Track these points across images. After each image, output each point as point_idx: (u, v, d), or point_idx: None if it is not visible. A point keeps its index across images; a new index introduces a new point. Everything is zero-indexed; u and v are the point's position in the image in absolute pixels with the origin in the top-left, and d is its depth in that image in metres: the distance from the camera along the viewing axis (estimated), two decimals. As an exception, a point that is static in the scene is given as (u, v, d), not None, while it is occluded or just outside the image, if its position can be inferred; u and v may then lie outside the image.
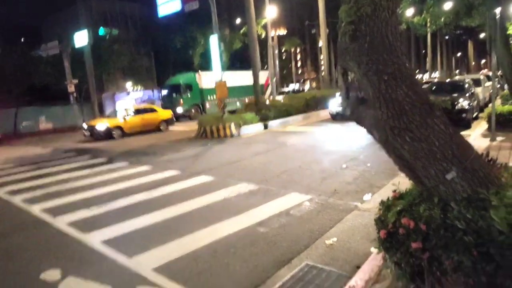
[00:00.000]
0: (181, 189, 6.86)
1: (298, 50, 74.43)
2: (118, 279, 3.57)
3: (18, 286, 3.64)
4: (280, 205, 5.42)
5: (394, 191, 2.90)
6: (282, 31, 51.13)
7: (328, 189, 6.05)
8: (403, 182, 3.08)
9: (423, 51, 62.02)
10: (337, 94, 17.88)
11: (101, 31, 37.37)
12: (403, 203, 2.63)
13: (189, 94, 26.70)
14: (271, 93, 26.47)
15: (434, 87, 13.83)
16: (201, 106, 27.35)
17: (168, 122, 19.61)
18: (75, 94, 27.88)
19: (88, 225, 5.20)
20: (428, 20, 18.64)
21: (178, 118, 24.29)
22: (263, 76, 25.56)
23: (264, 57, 37.00)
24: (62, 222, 5.41)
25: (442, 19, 17.30)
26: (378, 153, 8.20)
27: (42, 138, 21.90)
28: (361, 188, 5.96)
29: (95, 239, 4.64)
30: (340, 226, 4.45)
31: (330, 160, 8.30)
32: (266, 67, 33.45)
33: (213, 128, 14.20)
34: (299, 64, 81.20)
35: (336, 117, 16.00)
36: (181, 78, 28.53)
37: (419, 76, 50.32)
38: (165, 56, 50.15)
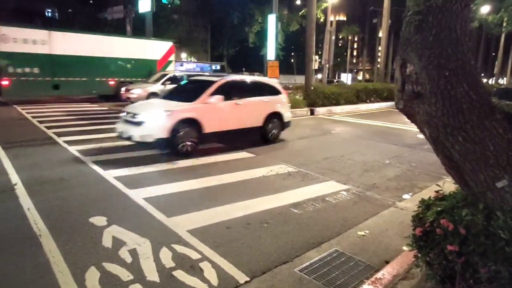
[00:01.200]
0: (221, 161, 7.08)
1: (355, 38, 71.91)
2: (155, 234, 3.82)
3: (70, 224, 4.00)
4: (316, 190, 5.45)
5: (437, 191, 2.83)
6: (342, 17, 49.46)
7: (367, 182, 5.97)
8: (448, 187, 2.99)
9: (493, 54, 57.51)
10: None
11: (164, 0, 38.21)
12: (445, 204, 2.56)
13: None
14: (321, 80, 25.98)
15: (501, 93, 12.88)
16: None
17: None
18: (133, 59, 28.97)
19: (133, 181, 5.55)
20: (505, 19, 17.18)
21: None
22: (157, 47, 21.29)
23: (319, 42, 36.17)
24: (110, 176, 5.81)
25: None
26: (424, 154, 7.97)
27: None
28: (402, 186, 5.82)
29: (138, 195, 4.95)
30: (374, 219, 4.41)
31: (374, 153, 8.12)
32: (320, 52, 32.70)
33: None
34: (354, 53, 78.60)
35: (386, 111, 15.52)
36: None
37: (483, 81, 46.88)
38: (220, 31, 50.57)
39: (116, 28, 31.56)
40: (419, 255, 2.67)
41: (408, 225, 3.76)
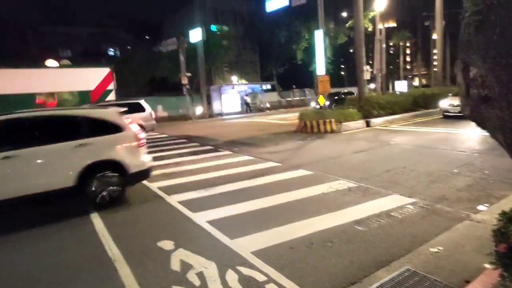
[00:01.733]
0: (280, 180, 7.08)
1: (407, 44, 69.22)
2: (220, 256, 3.89)
3: (140, 248, 4.22)
4: (380, 205, 5.22)
5: (519, 201, 2.58)
6: (391, 24, 48.05)
7: (435, 194, 5.60)
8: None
9: None
10: (450, 94, 16.55)
11: (213, 28, 40.00)
12: (530, 216, 2.33)
13: None
14: (374, 89, 25.24)
15: None
16: None
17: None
18: (187, 86, 30.47)
19: (196, 205, 5.75)
20: None
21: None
22: (90, 77, 18.31)
23: (370, 52, 35.36)
24: (174, 200, 6.07)
25: None
26: (498, 159, 7.32)
27: (159, 125, 24.49)
28: (475, 196, 5.38)
29: (202, 218, 5.10)
30: (447, 234, 4.10)
31: (439, 162, 7.63)
32: (371, 62, 31.94)
33: (313, 123, 14.18)
34: (408, 59, 75.56)
35: (448, 117, 14.79)
36: None
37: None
38: (268, 51, 51.47)
39: (170, 59, 33.50)
40: (505, 274, 2.43)
41: (487, 240, 3.45)
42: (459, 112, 11.59)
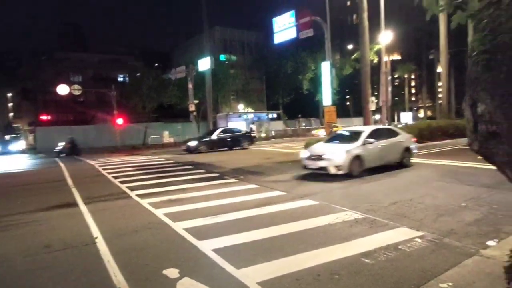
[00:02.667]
0: (286, 209, 7.05)
1: (412, 76, 70.15)
2: (226, 286, 3.84)
3: (145, 276, 4.19)
4: (387, 238, 5.16)
5: (530, 238, 2.57)
6: (396, 56, 48.93)
7: (443, 227, 5.54)
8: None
9: None
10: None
11: (222, 57, 41.02)
12: (542, 252, 2.31)
13: None
14: (380, 120, 25.39)
15: None
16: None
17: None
18: (194, 113, 30.88)
19: (201, 232, 5.72)
20: None
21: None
22: None
23: (375, 83, 35.83)
24: (180, 227, 6.05)
25: None
26: (507, 194, 7.26)
27: (165, 151, 24.71)
28: (484, 231, 5.30)
29: (207, 246, 5.06)
30: (457, 270, 4.03)
31: (447, 195, 7.57)
32: (376, 93, 32.34)
33: (318, 153, 14.20)
34: (412, 91, 76.30)
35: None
36: None
37: None
38: (275, 80, 52.33)
39: (179, 86, 34.17)
40: (518, 312, 2.39)
41: (498, 276, 3.40)
42: (320, 168, 10.24)
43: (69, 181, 12.24)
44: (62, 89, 31.76)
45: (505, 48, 2.37)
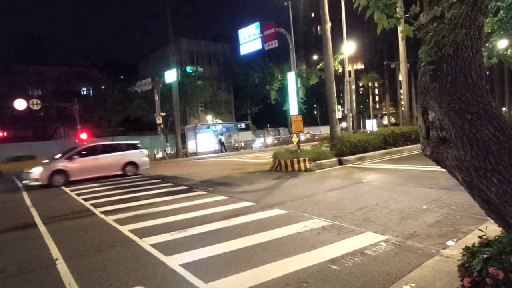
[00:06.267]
0: (254, 220, 7.04)
1: (376, 84, 72.79)
2: (194, 301, 3.77)
3: (109, 298, 4.03)
4: (354, 243, 5.27)
5: (480, 237, 2.71)
6: (360, 66, 50.62)
7: (406, 230, 5.73)
8: (493, 229, 2.86)
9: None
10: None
11: (188, 69, 40.76)
12: (491, 250, 2.45)
13: None
14: (345, 129, 26.09)
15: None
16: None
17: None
18: (162, 126, 30.39)
19: (169, 248, 5.59)
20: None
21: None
22: None
23: (340, 92, 36.82)
24: (146, 243, 5.89)
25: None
26: (464, 195, 7.60)
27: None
28: (444, 232, 5.54)
29: (175, 261, 4.96)
30: (419, 271, 4.17)
31: (409, 199, 7.86)
32: (342, 101, 33.21)
33: (287, 162, 14.37)
34: (377, 99, 79.07)
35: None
36: None
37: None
38: (243, 91, 52.67)
39: (145, 99, 33.60)
40: (472, 308, 2.50)
41: (457, 274, 3.55)
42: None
43: (28, 201, 11.63)
44: (19, 104, 30.33)
45: (449, 59, 2.52)
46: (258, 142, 39.76)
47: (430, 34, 2.56)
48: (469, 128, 2.39)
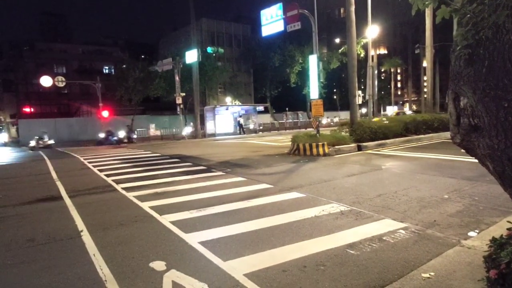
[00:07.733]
0: (272, 202, 7.09)
1: (398, 70, 70.91)
2: (213, 278, 3.85)
3: (132, 269, 4.17)
4: (372, 229, 5.25)
5: (509, 229, 2.65)
6: (383, 51, 49.33)
7: (426, 219, 5.66)
8: (520, 221, 2.79)
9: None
10: None
11: (209, 49, 40.65)
12: (520, 242, 2.39)
13: None
14: (365, 114, 25.66)
15: None
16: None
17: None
18: (181, 106, 30.60)
19: (188, 225, 5.71)
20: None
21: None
22: None
23: (362, 77, 36.10)
24: (166, 220, 6.03)
25: None
26: (488, 186, 7.45)
27: (152, 144, 24.44)
28: (466, 222, 5.44)
29: (194, 239, 5.07)
30: (439, 260, 4.13)
31: (430, 188, 7.73)
32: (363, 87, 32.60)
33: (306, 146, 14.31)
34: (399, 85, 77.18)
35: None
36: None
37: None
38: (262, 73, 52.25)
39: (165, 79, 33.79)
40: (496, 299, 2.47)
41: (478, 266, 3.51)
42: None
43: (54, 175, 12.04)
44: (45, 81, 31.07)
45: (487, 43, 2.41)
46: (276, 125, 39.66)
47: (468, 15, 2.45)
48: (504, 116, 2.30)
